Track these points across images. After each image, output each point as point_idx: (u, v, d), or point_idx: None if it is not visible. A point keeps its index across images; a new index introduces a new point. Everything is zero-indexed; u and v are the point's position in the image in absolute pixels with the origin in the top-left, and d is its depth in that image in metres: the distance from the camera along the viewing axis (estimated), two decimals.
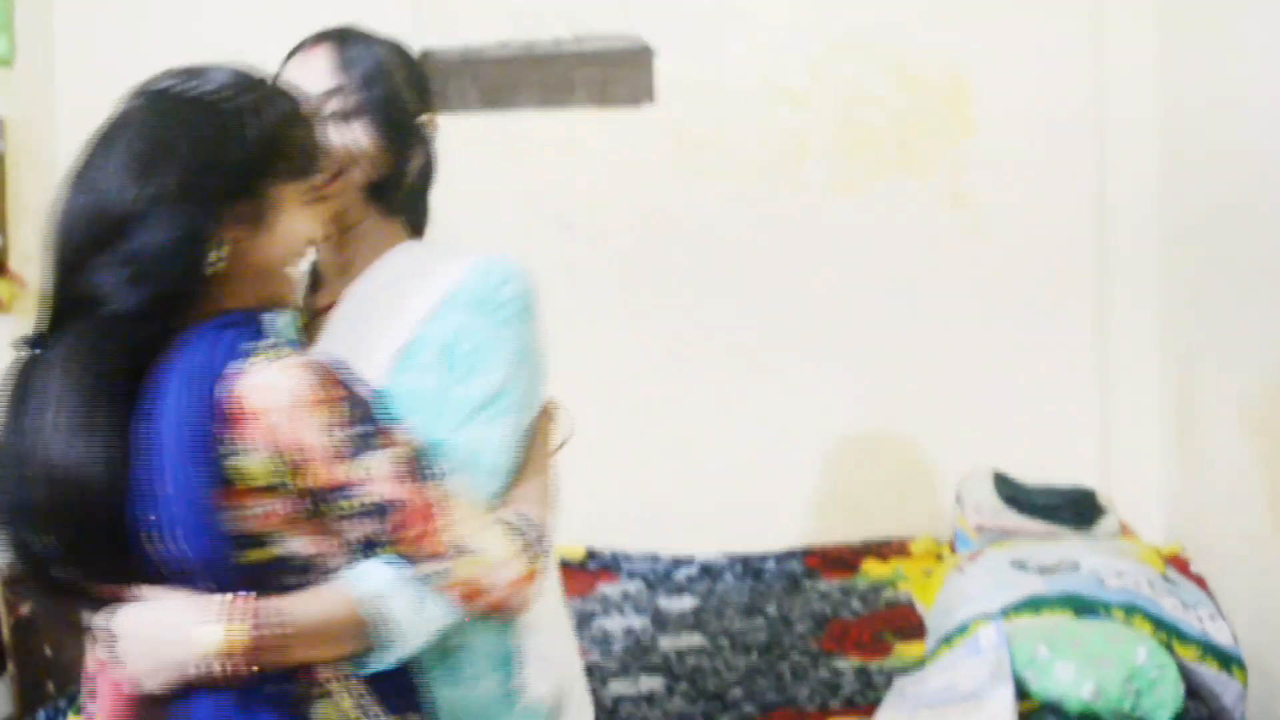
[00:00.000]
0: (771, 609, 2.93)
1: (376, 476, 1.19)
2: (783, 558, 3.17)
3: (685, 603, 3.01)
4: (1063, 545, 2.61)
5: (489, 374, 1.40)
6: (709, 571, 3.16)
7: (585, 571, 3.13)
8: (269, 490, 1.20)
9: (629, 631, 2.87)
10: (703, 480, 3.32)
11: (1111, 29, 3.15)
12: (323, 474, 1.19)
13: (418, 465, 1.22)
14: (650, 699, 2.56)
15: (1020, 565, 2.46)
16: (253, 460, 1.18)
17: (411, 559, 1.23)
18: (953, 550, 2.97)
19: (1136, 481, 3.12)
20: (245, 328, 1.24)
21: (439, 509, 1.21)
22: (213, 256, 1.23)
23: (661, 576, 3.15)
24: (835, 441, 3.27)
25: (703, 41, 3.34)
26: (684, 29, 3.35)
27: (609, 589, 3.07)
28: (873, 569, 3.06)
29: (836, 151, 3.27)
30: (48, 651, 3.46)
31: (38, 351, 1.23)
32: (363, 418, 1.20)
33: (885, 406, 3.25)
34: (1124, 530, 2.91)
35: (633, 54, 3.41)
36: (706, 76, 3.34)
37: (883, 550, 3.13)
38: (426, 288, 1.43)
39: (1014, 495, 2.90)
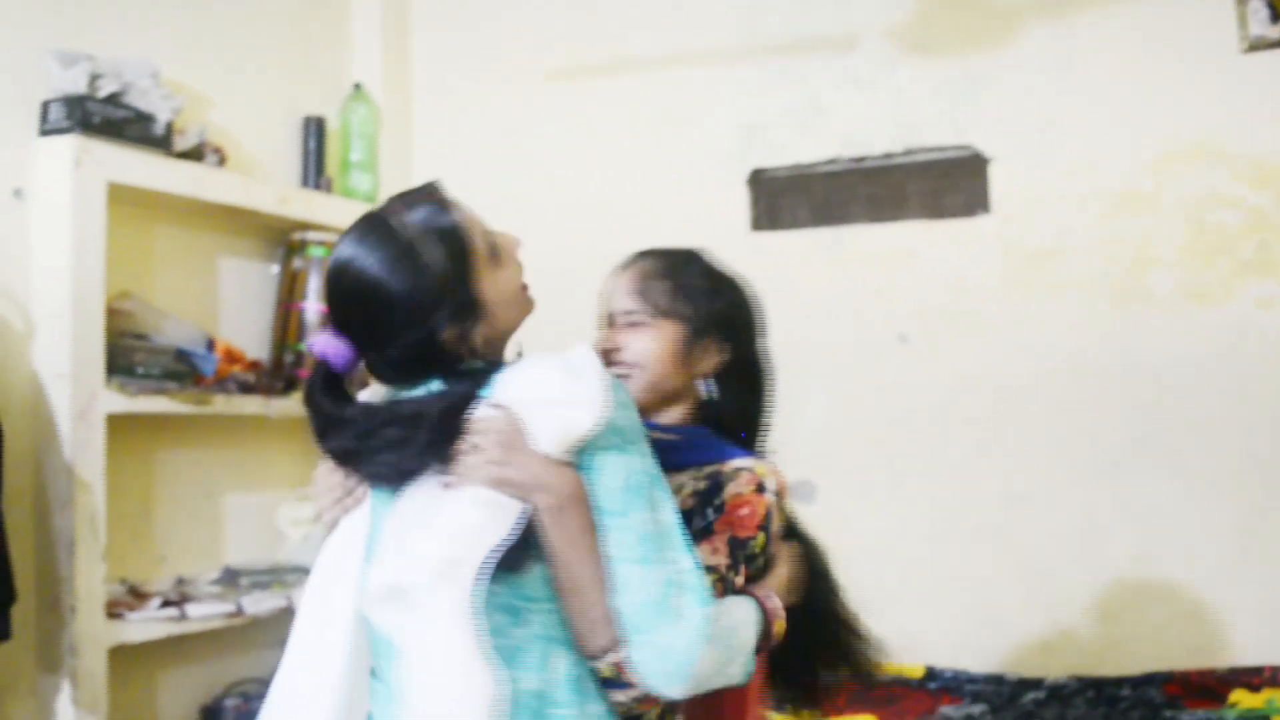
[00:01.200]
0: None
1: None
2: (1139, 683, 3.00)
3: None
4: None
5: None
6: (1058, 696, 3.03)
7: (925, 691, 3.07)
8: None
9: None
10: (1051, 599, 3.21)
11: None
12: None
13: None
14: None
15: None
16: None
17: None
18: None
19: None
20: None
21: None
22: None
23: (1007, 700, 3.04)
24: (1196, 560, 3.08)
25: (1037, 148, 3.29)
26: (1017, 136, 3.32)
27: (951, 711, 2.99)
28: (1243, 699, 2.85)
29: (1187, 258, 3.12)
30: None
31: None
32: None
33: (1249, 523, 3.05)
34: None
35: (966, 164, 3.40)
36: (1042, 184, 3.28)
37: (1253, 679, 2.92)
38: None
39: None
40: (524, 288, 1.66)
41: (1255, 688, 2.89)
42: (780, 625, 1.65)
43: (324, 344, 1.59)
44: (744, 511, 1.69)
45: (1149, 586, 3.12)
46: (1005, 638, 3.23)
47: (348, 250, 1.59)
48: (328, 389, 1.58)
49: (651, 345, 1.78)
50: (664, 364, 1.78)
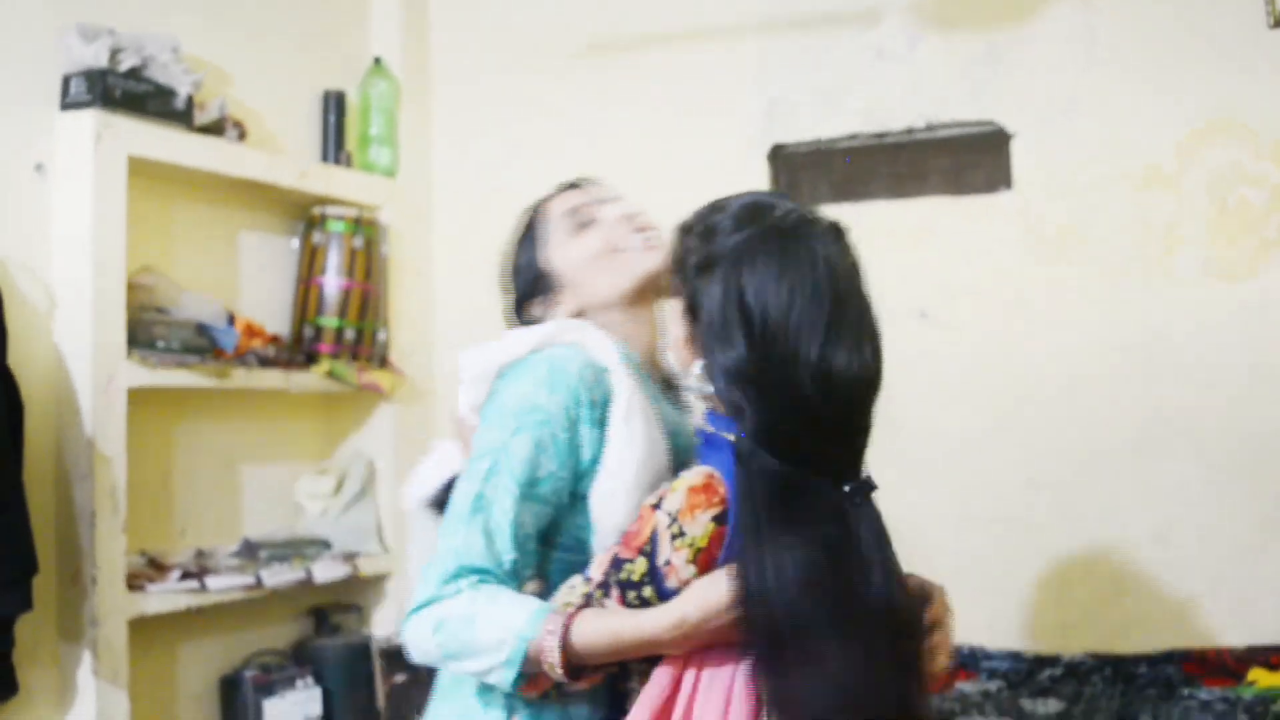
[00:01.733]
0: (1146, 717, 2.77)
1: None
2: (1156, 661, 3.00)
3: (1050, 706, 2.90)
4: None
5: None
6: (1075, 673, 3.03)
7: None
8: None
9: None
10: (1068, 576, 3.20)
11: None
12: None
13: None
14: None
15: None
16: None
17: None
18: None
19: None
20: None
21: None
22: None
23: (1024, 676, 3.05)
24: (1214, 540, 3.07)
25: (1061, 125, 3.27)
26: (1040, 112, 3.29)
27: (967, 687, 2.99)
28: (1260, 678, 2.84)
29: (1210, 236, 3.10)
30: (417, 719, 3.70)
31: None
32: None
33: (1270, 503, 3.03)
34: None
35: (988, 139, 3.37)
36: (1065, 161, 3.26)
37: (1270, 657, 2.91)
38: None
39: None
40: (612, 251, 1.66)
41: (1273, 666, 2.89)
42: (552, 661, 1.40)
43: None
44: (632, 528, 1.49)
45: (1167, 565, 3.11)
46: (1022, 615, 3.23)
47: None
48: None
49: None
50: None
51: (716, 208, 1.59)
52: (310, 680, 3.49)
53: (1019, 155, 3.31)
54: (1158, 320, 3.14)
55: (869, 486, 1.46)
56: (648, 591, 1.42)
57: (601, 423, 1.51)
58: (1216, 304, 3.09)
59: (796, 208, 1.54)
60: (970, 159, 3.41)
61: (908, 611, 1.45)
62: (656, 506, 1.45)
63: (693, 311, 1.52)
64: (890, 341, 1.65)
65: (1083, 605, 3.18)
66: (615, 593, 1.44)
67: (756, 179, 3.58)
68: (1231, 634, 3.04)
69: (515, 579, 1.45)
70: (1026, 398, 3.25)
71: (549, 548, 1.54)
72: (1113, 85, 3.21)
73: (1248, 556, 3.04)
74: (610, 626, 1.39)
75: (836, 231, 1.54)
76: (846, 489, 1.41)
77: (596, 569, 1.48)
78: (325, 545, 3.60)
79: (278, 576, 3.29)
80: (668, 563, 1.40)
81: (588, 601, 1.45)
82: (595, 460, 1.52)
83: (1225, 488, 3.06)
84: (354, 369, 3.59)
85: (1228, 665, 2.94)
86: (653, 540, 1.41)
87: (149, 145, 3.02)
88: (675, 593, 1.42)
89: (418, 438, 3.94)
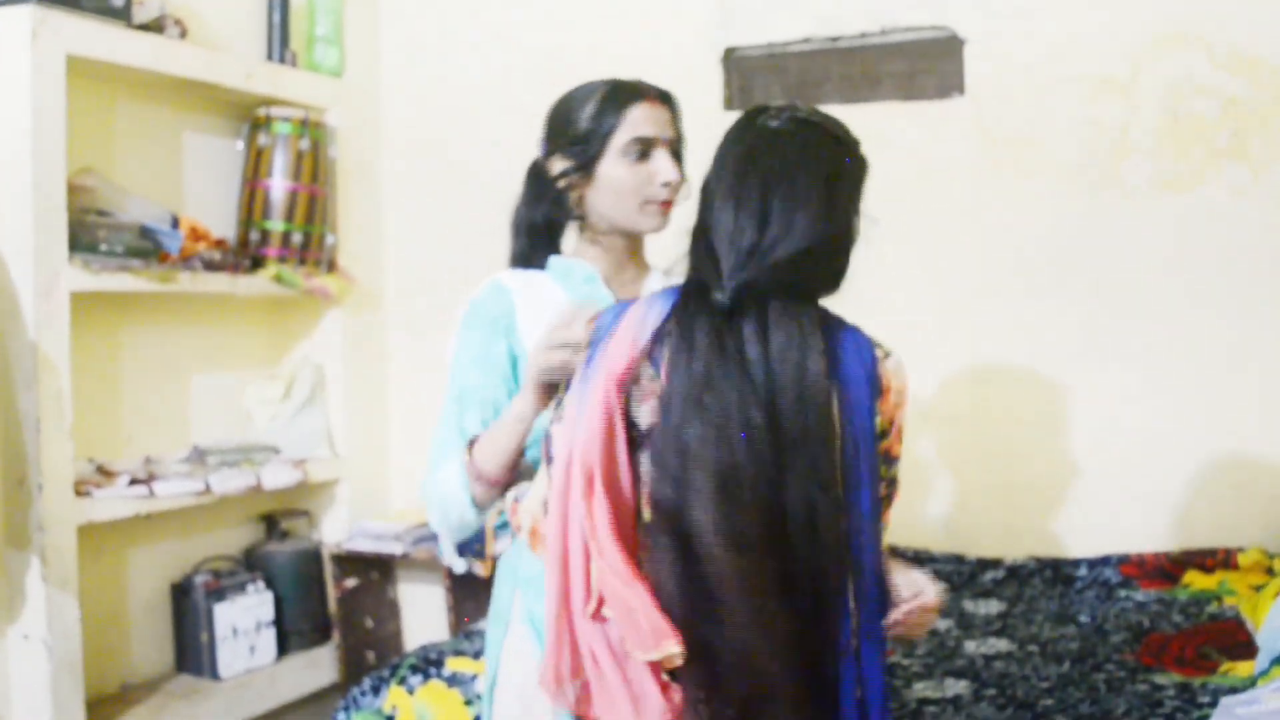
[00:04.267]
0: (1084, 617, 2.84)
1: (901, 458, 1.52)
2: (1095, 564, 3.07)
3: (992, 607, 2.95)
4: None
5: None
6: (1016, 575, 3.09)
7: None
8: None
9: (933, 634, 2.83)
10: (1011, 483, 3.26)
11: None
12: (896, 445, 1.51)
13: None
14: (956, 703, 2.52)
15: None
16: (878, 423, 1.46)
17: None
18: None
19: None
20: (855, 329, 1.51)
21: None
22: None
23: (967, 579, 3.11)
24: (1154, 445, 3.13)
25: (1015, 31, 3.25)
26: (995, 18, 3.27)
27: None
28: (1195, 580, 2.92)
29: (1162, 146, 3.11)
30: (369, 624, 3.73)
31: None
32: None
33: (1210, 409, 3.09)
34: None
35: (941, 45, 3.35)
36: (1019, 68, 3.25)
37: (1206, 561, 2.98)
38: None
39: None
40: (640, 199, 1.80)
41: (1208, 569, 2.96)
42: (474, 476, 1.71)
43: None
44: None
45: (1108, 470, 3.17)
46: (966, 519, 3.29)
47: None
48: None
49: None
50: None
51: None
52: (261, 585, 3.50)
53: (972, 61, 3.30)
54: (1107, 228, 3.16)
55: (745, 291, 1.44)
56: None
57: (508, 331, 1.79)
58: (1165, 213, 3.11)
59: (788, 107, 1.58)
60: (923, 65, 3.39)
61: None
62: None
63: None
64: None
65: (1025, 509, 3.24)
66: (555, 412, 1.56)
67: (710, 81, 3.54)
68: (1169, 539, 3.12)
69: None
70: (975, 301, 3.28)
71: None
72: None
73: (1188, 462, 3.11)
74: (491, 430, 1.73)
75: (796, 120, 1.54)
76: (719, 295, 1.44)
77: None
78: (274, 451, 3.59)
79: (227, 483, 3.28)
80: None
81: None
82: (514, 358, 1.79)
83: (1170, 396, 3.12)
84: (301, 274, 3.55)
85: (1164, 568, 3.01)
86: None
87: (87, 42, 2.94)
88: None
89: (367, 342, 3.93)
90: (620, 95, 1.82)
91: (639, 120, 1.80)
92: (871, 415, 1.45)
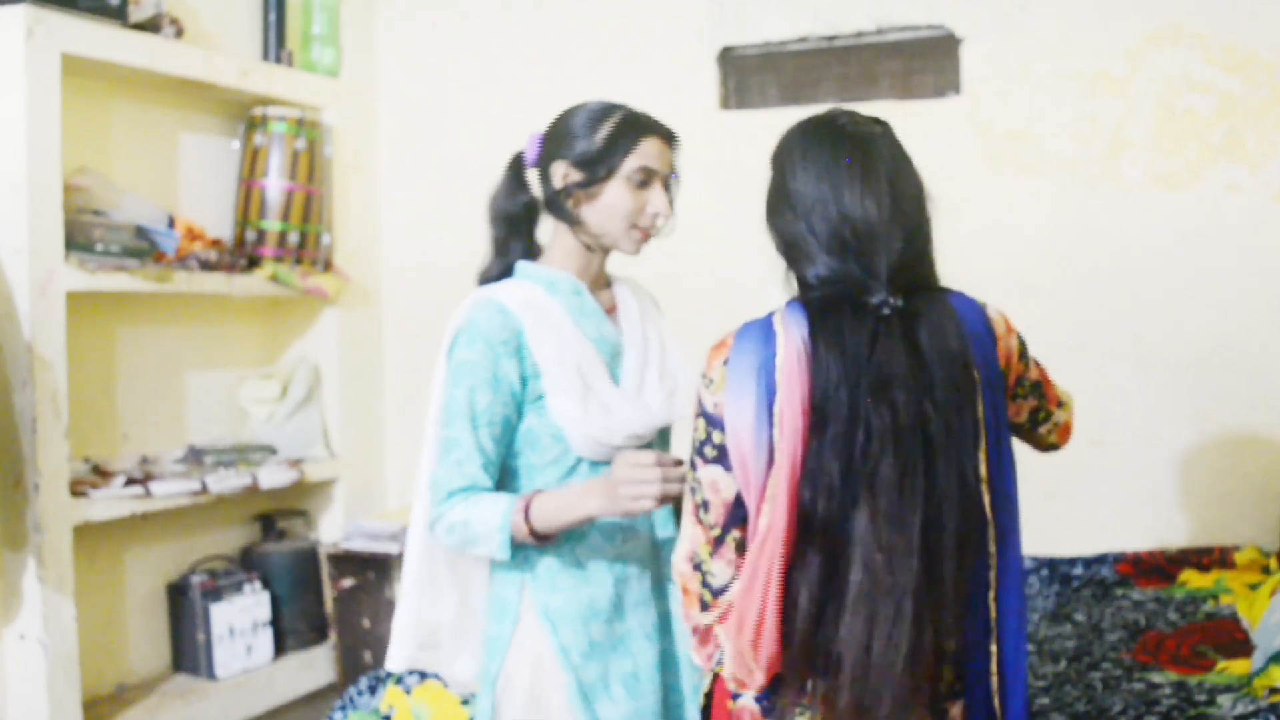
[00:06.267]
0: (1080, 616, 2.84)
1: (1033, 368, 1.70)
2: (1092, 562, 3.07)
3: None
4: None
5: None
6: None
7: None
8: None
9: None
10: None
11: None
12: (1031, 370, 1.70)
13: None
14: None
15: None
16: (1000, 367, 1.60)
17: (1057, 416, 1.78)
18: None
19: None
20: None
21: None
22: None
23: None
24: (1151, 444, 3.13)
25: (1011, 29, 3.25)
26: (991, 17, 3.27)
27: None
28: (1191, 579, 2.92)
29: (1157, 142, 3.11)
30: (366, 623, 3.72)
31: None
32: None
33: (1207, 408, 3.09)
34: None
35: (938, 44, 3.36)
36: (1015, 66, 3.25)
37: (1202, 559, 2.99)
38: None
39: None
40: (633, 226, 1.90)
41: (1204, 568, 2.96)
42: (524, 533, 1.79)
43: None
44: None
45: (1105, 468, 3.17)
46: None
47: None
48: None
49: None
50: None
51: None
52: (258, 585, 3.50)
53: (968, 60, 3.30)
54: (1103, 225, 3.16)
55: (891, 300, 1.52)
56: (717, 437, 1.55)
57: (517, 351, 1.87)
58: (1160, 210, 3.12)
59: (845, 112, 1.65)
60: (920, 63, 3.39)
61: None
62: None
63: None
64: None
65: (1022, 507, 3.23)
66: (697, 457, 1.58)
67: (705, 81, 3.54)
68: (1167, 537, 3.12)
69: (490, 482, 1.88)
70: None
71: (526, 451, 1.93)
72: None
73: (1184, 460, 3.11)
74: (552, 499, 1.81)
75: (870, 120, 1.63)
76: (874, 301, 1.51)
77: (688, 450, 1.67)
78: (271, 451, 3.59)
79: (224, 482, 3.28)
80: (716, 405, 1.55)
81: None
82: (525, 376, 1.88)
83: (1165, 392, 3.12)
84: (298, 273, 3.55)
85: (1161, 567, 3.01)
86: (699, 401, 1.58)
87: (83, 42, 2.94)
88: None
89: (363, 341, 3.93)
90: (637, 126, 1.91)
91: (648, 153, 1.90)
92: (997, 362, 1.58)
